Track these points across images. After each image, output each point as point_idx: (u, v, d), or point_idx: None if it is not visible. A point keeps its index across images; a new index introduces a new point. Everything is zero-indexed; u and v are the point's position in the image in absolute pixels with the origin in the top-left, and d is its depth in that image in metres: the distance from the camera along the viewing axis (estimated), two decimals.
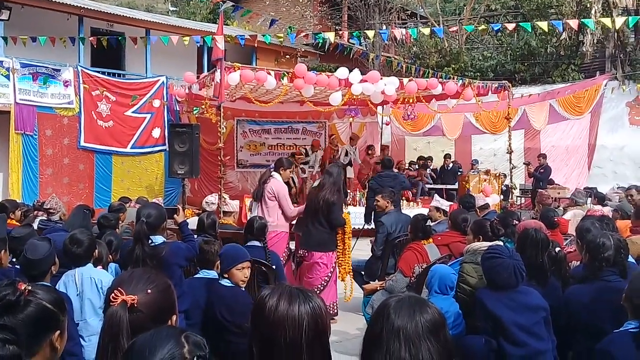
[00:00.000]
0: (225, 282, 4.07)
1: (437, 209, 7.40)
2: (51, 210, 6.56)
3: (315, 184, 7.30)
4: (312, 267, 6.73)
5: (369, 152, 15.45)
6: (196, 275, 4.43)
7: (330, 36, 11.88)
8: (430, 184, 16.26)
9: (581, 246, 4.11)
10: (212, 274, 4.36)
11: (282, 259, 6.79)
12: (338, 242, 6.88)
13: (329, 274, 6.74)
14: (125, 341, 1.72)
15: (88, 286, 3.95)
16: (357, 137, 15.72)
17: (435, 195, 9.58)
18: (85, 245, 4.07)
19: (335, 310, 6.89)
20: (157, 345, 1.47)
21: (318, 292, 6.60)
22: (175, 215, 4.83)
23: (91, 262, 4.10)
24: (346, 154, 15.10)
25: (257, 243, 5.37)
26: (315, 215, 6.64)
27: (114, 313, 1.80)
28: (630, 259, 4.06)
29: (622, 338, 2.83)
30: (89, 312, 3.91)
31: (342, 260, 6.89)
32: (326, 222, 6.64)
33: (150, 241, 4.00)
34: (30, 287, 1.93)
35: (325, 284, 6.73)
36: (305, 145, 15.45)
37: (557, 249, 4.39)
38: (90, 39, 11.92)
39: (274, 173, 7.22)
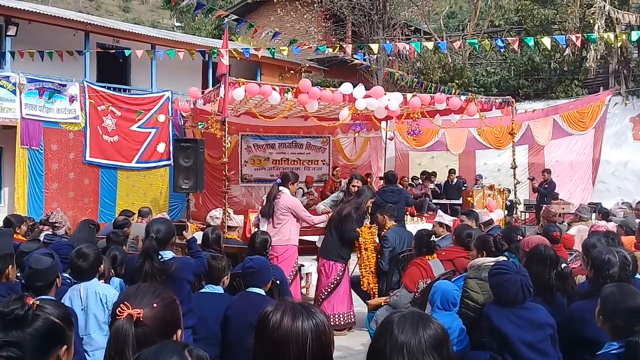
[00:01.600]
0: (261, 292, 4.15)
1: (441, 224, 7.38)
2: (56, 225, 6.58)
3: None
4: (319, 273, 7.00)
5: (367, 180, 15.50)
6: (202, 290, 4.43)
7: (333, 49, 11.96)
8: (431, 199, 16.25)
9: (587, 262, 4.11)
10: (218, 289, 4.37)
11: (291, 272, 6.89)
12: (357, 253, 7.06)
13: (332, 285, 6.83)
14: (131, 354, 1.74)
15: (93, 301, 3.96)
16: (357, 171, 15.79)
17: (439, 210, 9.57)
18: (91, 260, 4.10)
19: (353, 320, 7.04)
20: (161, 359, 1.49)
21: (320, 300, 6.76)
22: (183, 232, 4.83)
23: (97, 277, 4.12)
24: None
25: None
26: (330, 224, 6.99)
27: (120, 327, 1.81)
28: (639, 275, 4.05)
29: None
30: (94, 327, 3.93)
31: (363, 270, 7.01)
32: (336, 233, 6.88)
33: (160, 257, 4.01)
34: (38, 302, 1.95)
35: (326, 293, 6.87)
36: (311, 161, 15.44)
37: (563, 264, 4.39)
38: (97, 50, 12.02)
39: (282, 188, 7.24)
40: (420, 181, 16.67)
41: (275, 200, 7.13)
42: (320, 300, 6.87)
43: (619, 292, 2.98)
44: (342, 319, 6.94)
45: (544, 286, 3.98)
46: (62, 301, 3.86)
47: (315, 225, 7.49)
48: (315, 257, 7.54)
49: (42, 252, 3.88)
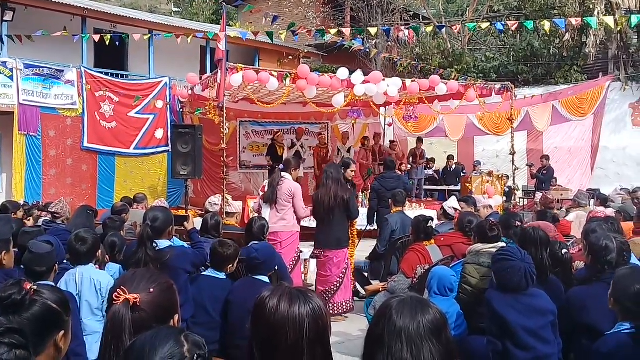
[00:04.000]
0: (264, 279, 4.18)
1: (445, 213, 7.41)
2: (56, 214, 6.56)
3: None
4: (326, 265, 6.90)
5: (365, 142, 15.45)
6: (204, 273, 4.41)
7: (332, 33, 11.89)
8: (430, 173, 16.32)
9: (585, 247, 4.11)
10: (221, 274, 4.36)
11: (293, 259, 6.87)
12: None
13: (343, 272, 6.87)
14: (128, 339, 1.73)
15: (87, 286, 3.97)
16: (347, 135, 15.78)
17: (452, 197, 9.39)
18: (90, 244, 4.11)
19: (352, 306, 7.03)
20: (157, 344, 1.48)
21: (335, 289, 6.76)
22: (185, 223, 4.82)
23: (93, 263, 4.12)
24: (338, 153, 15.19)
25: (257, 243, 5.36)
26: (330, 213, 6.78)
27: (116, 311, 1.81)
28: (634, 259, 4.05)
29: (617, 339, 2.83)
30: (86, 312, 3.94)
31: (351, 251, 7.12)
32: (343, 217, 6.83)
33: (155, 245, 4.00)
34: (35, 287, 1.95)
35: (340, 282, 6.85)
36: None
37: (564, 250, 4.39)
38: (93, 35, 11.97)
39: (284, 174, 7.21)
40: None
41: (278, 186, 7.09)
42: (334, 290, 6.84)
43: (630, 275, 2.98)
44: (349, 305, 6.98)
45: (537, 267, 3.96)
46: (58, 285, 3.88)
47: (302, 218, 7.33)
48: (312, 243, 7.50)
49: (44, 239, 3.88)
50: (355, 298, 7.25)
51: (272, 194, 7.08)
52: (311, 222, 8.02)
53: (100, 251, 4.36)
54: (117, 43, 12.12)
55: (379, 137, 15.80)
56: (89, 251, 4.12)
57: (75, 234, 4.18)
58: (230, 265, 4.42)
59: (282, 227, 6.88)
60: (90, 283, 3.97)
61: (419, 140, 16.45)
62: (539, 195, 11.23)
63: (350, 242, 7.10)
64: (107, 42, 11.68)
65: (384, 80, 10.55)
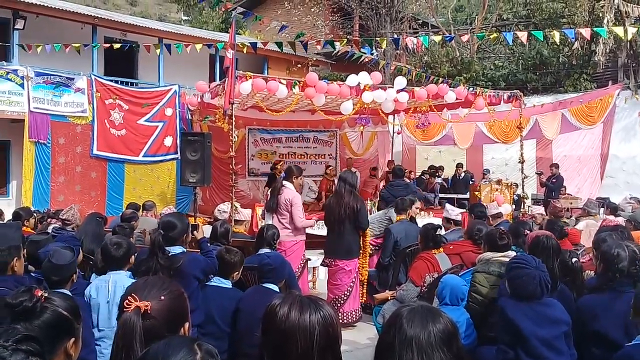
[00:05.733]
0: (275, 288, 4.15)
1: (448, 220, 7.36)
2: (67, 221, 6.59)
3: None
4: (336, 273, 6.87)
5: (373, 173, 15.41)
6: (209, 283, 4.41)
7: (341, 45, 11.91)
8: (437, 195, 16.19)
9: (597, 256, 4.08)
10: (227, 283, 4.35)
11: (299, 266, 6.85)
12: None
13: (353, 280, 6.85)
14: (138, 347, 1.74)
15: (120, 294, 3.93)
16: (351, 161, 15.74)
17: (447, 204, 9.50)
18: (124, 249, 4.09)
19: (360, 315, 7.00)
20: (170, 352, 1.48)
21: (345, 298, 6.76)
22: (194, 232, 4.81)
23: (126, 269, 4.10)
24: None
25: (268, 251, 5.37)
26: (340, 224, 6.77)
27: (127, 319, 1.81)
28: None
29: (635, 351, 2.79)
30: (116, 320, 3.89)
31: (363, 262, 7.07)
32: (354, 228, 6.80)
33: (167, 252, 3.98)
34: (46, 294, 1.95)
35: (350, 290, 6.85)
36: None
37: (574, 259, 4.36)
38: (104, 44, 12.06)
39: (285, 182, 7.20)
40: (427, 175, 16.50)
41: (279, 195, 7.09)
42: (344, 299, 6.83)
43: None
44: (358, 314, 6.96)
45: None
46: (87, 291, 3.88)
47: (301, 228, 7.22)
48: (321, 251, 7.46)
49: (63, 246, 3.88)
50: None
51: (273, 203, 7.10)
52: (320, 230, 8.00)
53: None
54: (127, 49, 12.14)
55: (376, 171, 15.83)
56: (123, 256, 4.09)
57: (110, 239, 4.18)
58: (236, 273, 4.42)
59: (285, 237, 6.81)
60: (123, 291, 3.92)
61: (432, 175, 16.28)
62: (536, 208, 11.11)
63: (362, 252, 7.08)
64: (118, 50, 11.76)
65: (388, 89, 10.51)
